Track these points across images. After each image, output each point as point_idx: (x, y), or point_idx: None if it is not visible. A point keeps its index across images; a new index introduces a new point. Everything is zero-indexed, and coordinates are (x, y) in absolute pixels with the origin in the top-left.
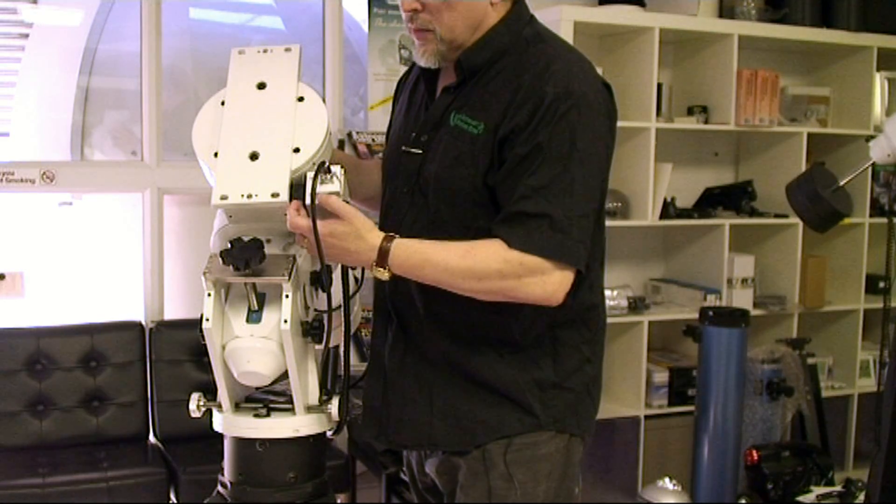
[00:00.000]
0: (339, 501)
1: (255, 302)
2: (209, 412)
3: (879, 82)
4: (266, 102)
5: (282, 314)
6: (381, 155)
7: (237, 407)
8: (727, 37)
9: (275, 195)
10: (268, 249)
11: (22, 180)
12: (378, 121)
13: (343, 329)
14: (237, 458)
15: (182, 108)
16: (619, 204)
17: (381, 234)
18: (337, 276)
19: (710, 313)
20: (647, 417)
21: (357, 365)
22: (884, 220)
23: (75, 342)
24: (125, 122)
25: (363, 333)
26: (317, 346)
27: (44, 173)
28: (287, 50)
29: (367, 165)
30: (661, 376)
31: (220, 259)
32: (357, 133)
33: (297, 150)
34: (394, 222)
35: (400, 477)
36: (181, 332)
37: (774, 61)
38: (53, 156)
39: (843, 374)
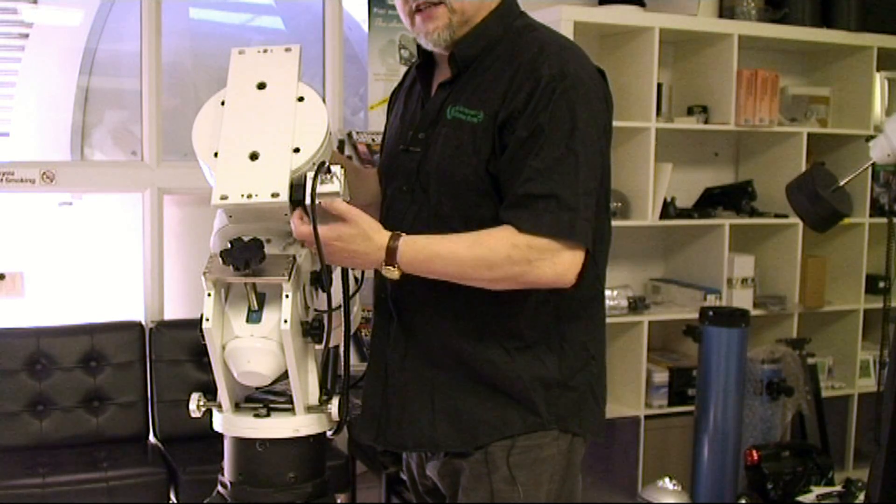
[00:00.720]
0: (339, 501)
1: (255, 302)
2: (209, 412)
3: (879, 82)
4: (266, 102)
5: (282, 314)
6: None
7: (237, 407)
8: (727, 37)
9: (275, 195)
10: (268, 249)
11: (22, 180)
12: (378, 121)
13: (343, 329)
14: (237, 458)
15: (182, 108)
16: (619, 204)
17: (388, 234)
18: (337, 276)
19: (710, 313)
20: (647, 417)
21: (357, 365)
22: (884, 220)
23: (75, 342)
24: (125, 122)
25: (363, 333)
26: (317, 346)
27: (44, 173)
28: (287, 50)
29: (367, 173)
30: (661, 376)
31: (220, 259)
32: (357, 133)
33: (297, 150)
34: (394, 222)
35: (400, 477)
36: (181, 332)
37: (774, 61)
38: (53, 156)
39: (843, 374)
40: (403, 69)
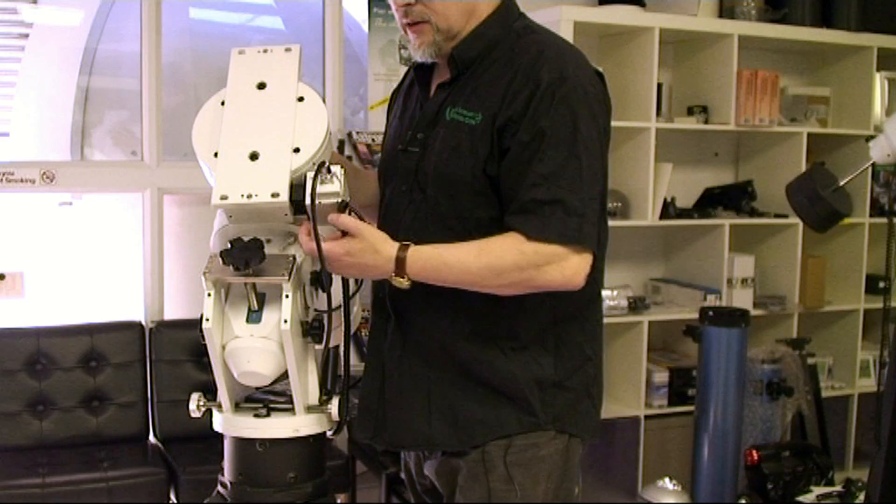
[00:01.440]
0: (339, 501)
1: (255, 302)
2: (209, 412)
3: (879, 82)
4: (266, 102)
5: (282, 314)
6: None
7: (237, 407)
8: (727, 37)
9: (275, 195)
10: (268, 249)
11: (22, 180)
12: (378, 121)
13: (343, 329)
14: (237, 458)
15: (182, 108)
16: (619, 204)
17: (396, 245)
18: (337, 276)
19: (710, 313)
20: (647, 417)
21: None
22: (884, 220)
23: (75, 342)
24: (125, 122)
25: (363, 333)
26: (317, 346)
27: (44, 173)
28: (287, 50)
29: (367, 173)
30: (661, 376)
31: (220, 259)
32: (357, 133)
33: (297, 150)
34: (393, 222)
35: (400, 477)
36: (181, 332)
37: (774, 61)
38: (53, 156)
39: (843, 374)
40: (403, 69)
